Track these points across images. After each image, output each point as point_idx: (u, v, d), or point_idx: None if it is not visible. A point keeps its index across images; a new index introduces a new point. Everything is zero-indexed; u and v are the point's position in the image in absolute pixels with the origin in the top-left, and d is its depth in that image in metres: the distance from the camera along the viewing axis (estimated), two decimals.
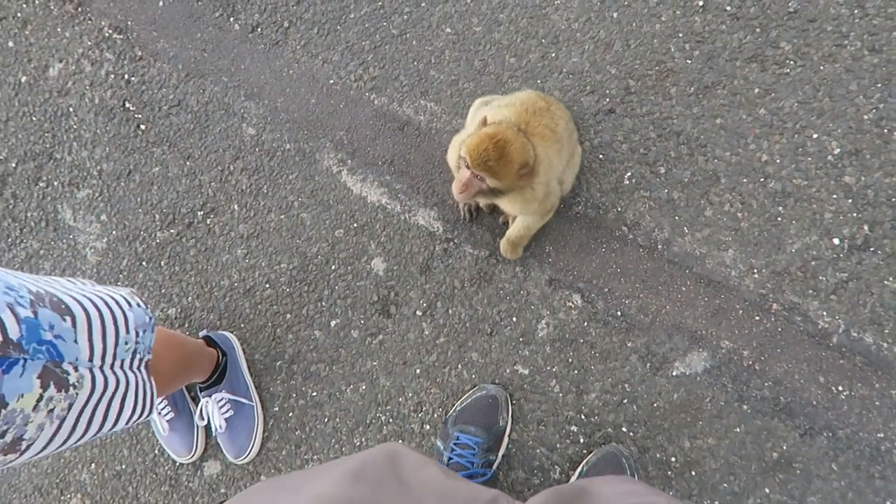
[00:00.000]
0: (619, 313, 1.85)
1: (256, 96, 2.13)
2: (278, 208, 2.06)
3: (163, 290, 2.09)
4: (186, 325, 2.06)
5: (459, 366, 1.91)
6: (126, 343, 1.16)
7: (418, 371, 1.93)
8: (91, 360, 1.08)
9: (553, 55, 1.98)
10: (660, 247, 1.86)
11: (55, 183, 2.19)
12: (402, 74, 2.05)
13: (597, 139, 1.92)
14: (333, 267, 2.01)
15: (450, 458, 1.75)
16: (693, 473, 1.78)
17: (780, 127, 1.83)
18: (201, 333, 1.96)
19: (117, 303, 1.17)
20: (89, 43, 2.24)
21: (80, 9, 2.27)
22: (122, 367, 1.16)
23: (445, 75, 2.03)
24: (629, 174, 1.89)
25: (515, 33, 2.00)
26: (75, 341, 1.04)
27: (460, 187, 1.51)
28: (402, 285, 1.96)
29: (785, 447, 1.75)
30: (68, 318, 1.02)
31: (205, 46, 2.18)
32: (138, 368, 1.22)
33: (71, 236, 2.17)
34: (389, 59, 2.07)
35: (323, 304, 2.00)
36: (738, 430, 1.77)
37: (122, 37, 2.23)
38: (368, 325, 1.97)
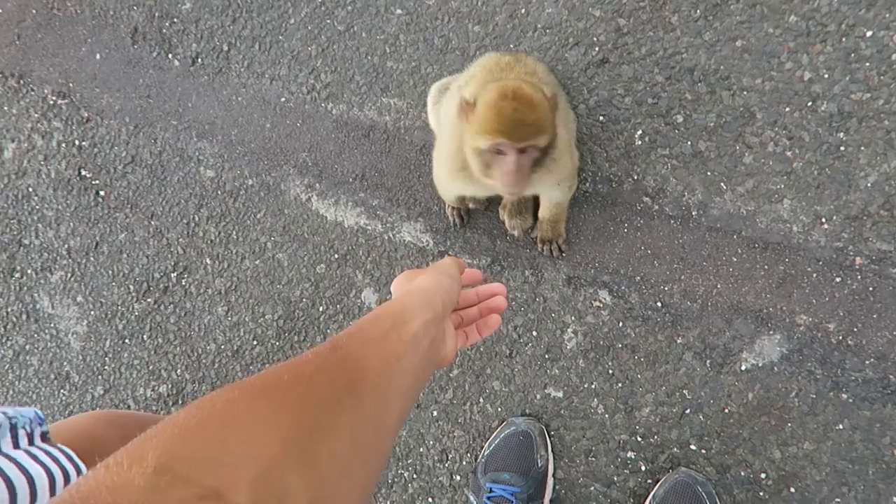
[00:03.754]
0: (659, 304, 1.49)
1: (209, 134, 1.89)
2: (252, 253, 1.81)
3: (150, 367, 1.88)
4: (180, 402, 1.84)
5: (481, 399, 1.60)
6: None
7: (435, 413, 1.63)
8: None
9: (523, 11, 1.64)
10: (695, 213, 1.48)
11: (28, 271, 2.03)
12: (356, 74, 1.77)
13: (592, 99, 1.57)
14: (321, 308, 1.74)
15: None
16: (793, 490, 1.39)
17: (821, 33, 1.43)
18: None
19: None
20: (36, 115, 2.08)
21: (21, 81, 2.11)
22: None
23: (404, 64, 1.73)
24: (640, 132, 1.53)
25: None
26: None
27: (513, 178, 1.15)
28: None
29: None
30: None
31: (148, 92, 1.97)
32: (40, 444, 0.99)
33: (52, 325, 1.99)
34: (340, 59, 1.79)
35: None
36: (840, 426, 1.37)
37: (66, 101, 2.05)
38: None
